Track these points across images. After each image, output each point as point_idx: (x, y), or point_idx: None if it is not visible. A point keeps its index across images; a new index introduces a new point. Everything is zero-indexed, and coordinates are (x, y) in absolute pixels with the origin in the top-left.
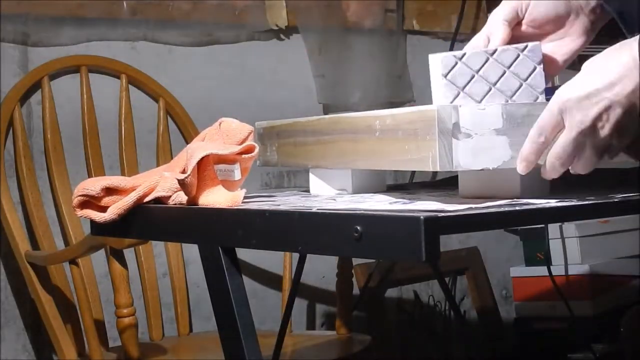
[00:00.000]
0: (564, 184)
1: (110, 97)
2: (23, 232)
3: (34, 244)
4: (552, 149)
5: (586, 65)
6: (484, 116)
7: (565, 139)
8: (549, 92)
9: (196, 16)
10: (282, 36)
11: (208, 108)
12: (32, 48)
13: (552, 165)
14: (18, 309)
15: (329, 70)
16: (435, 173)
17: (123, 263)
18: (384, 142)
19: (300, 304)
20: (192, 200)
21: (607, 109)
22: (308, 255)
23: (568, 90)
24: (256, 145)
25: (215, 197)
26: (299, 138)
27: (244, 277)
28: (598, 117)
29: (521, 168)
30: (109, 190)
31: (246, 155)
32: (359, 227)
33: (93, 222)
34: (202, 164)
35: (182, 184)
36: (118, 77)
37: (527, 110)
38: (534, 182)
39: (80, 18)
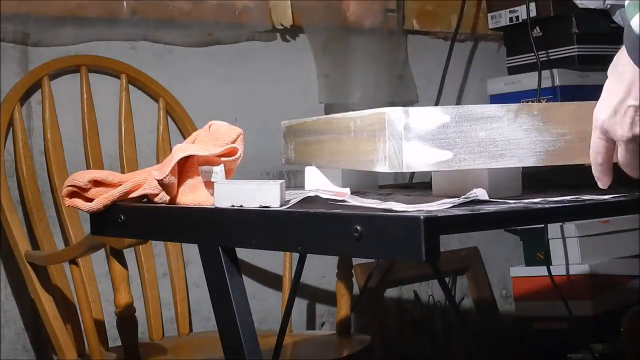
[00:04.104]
0: (560, 185)
1: (110, 97)
2: (23, 232)
3: (34, 244)
4: (619, 161)
5: (606, 83)
6: (433, 119)
7: (620, 151)
8: (549, 92)
9: (196, 16)
10: (284, 36)
11: (208, 108)
12: (32, 48)
13: (629, 172)
14: (18, 309)
15: (331, 70)
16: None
17: (123, 263)
18: (356, 142)
19: (300, 304)
20: (173, 200)
21: (636, 112)
22: (308, 255)
23: (600, 113)
24: (239, 147)
25: (193, 197)
26: (306, 137)
27: (244, 277)
28: (633, 124)
29: (602, 185)
30: (97, 183)
31: (226, 158)
32: (359, 227)
33: (92, 221)
34: (186, 164)
35: (161, 183)
36: (118, 77)
37: (475, 113)
38: (503, 183)
39: (80, 18)
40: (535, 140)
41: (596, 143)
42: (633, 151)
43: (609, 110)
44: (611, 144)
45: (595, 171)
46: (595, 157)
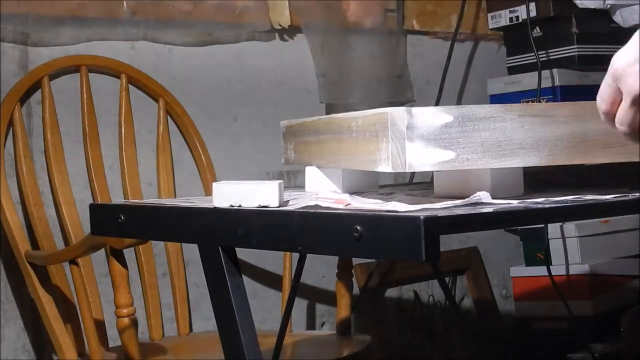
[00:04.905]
0: (561, 184)
1: (110, 97)
2: (23, 232)
3: (34, 244)
4: (616, 115)
5: (636, 33)
6: (436, 119)
7: (623, 105)
8: (549, 92)
9: (196, 16)
10: (282, 36)
11: (208, 108)
12: (32, 48)
13: (621, 130)
14: (18, 309)
15: (330, 69)
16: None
17: (123, 263)
18: (357, 142)
19: (300, 304)
20: None
21: None
22: (308, 255)
23: (617, 59)
24: None
25: None
26: (306, 137)
27: (244, 277)
28: None
29: (619, 132)
30: None
31: None
32: (359, 227)
33: (92, 221)
34: None
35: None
36: (118, 77)
37: (478, 113)
38: (506, 183)
39: (80, 18)
40: (536, 140)
41: (603, 89)
42: (635, 110)
43: (628, 58)
44: (618, 94)
45: (602, 118)
46: (599, 103)
